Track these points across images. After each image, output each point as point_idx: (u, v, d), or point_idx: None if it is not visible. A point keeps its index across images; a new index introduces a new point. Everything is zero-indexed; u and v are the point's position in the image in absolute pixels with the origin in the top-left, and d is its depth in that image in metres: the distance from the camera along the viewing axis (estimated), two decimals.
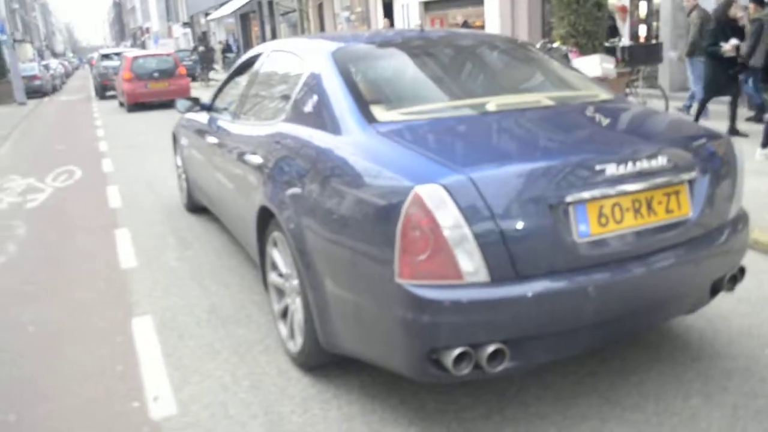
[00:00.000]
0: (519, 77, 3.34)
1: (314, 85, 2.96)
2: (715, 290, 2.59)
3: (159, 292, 4.04)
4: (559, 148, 2.47)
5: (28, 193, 7.27)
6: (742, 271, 2.65)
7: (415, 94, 3.01)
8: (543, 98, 2.92)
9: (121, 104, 17.64)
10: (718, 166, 2.55)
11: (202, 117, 4.74)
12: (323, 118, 2.78)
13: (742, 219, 2.70)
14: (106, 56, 23.36)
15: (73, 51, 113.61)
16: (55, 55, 75.12)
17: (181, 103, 4.86)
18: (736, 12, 7.53)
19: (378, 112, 2.66)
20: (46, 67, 30.61)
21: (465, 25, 16.13)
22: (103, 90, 21.62)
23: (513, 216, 2.10)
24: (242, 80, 4.24)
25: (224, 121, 4.16)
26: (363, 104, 2.70)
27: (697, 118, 7.63)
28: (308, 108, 2.93)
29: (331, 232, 2.47)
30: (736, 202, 2.67)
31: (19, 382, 3.08)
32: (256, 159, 3.20)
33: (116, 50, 27.04)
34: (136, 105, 16.40)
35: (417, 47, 3.41)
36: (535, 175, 2.17)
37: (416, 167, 2.21)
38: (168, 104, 15.64)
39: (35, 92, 23.94)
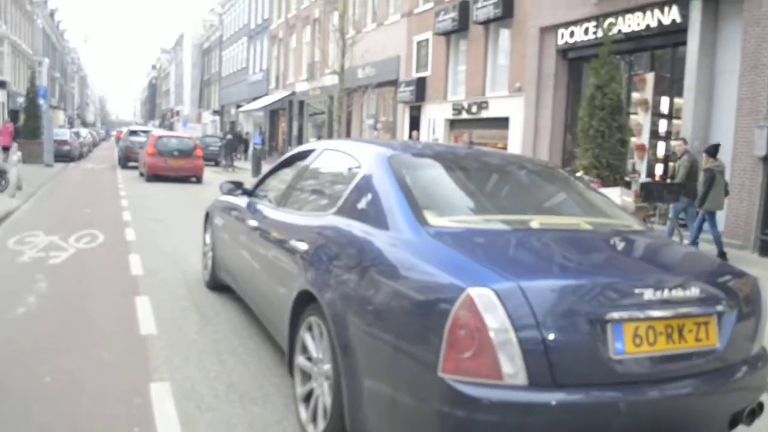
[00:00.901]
0: (558, 200, 3.56)
1: (370, 184, 3.17)
2: (734, 423, 2.64)
3: (178, 361, 4.09)
4: (600, 269, 2.64)
5: (50, 250, 7.42)
6: (761, 406, 2.70)
7: (462, 205, 3.24)
8: (582, 222, 3.13)
9: (141, 174, 19.69)
10: (745, 302, 2.68)
11: (242, 201, 4.95)
12: (377, 215, 2.96)
13: (762, 356, 2.80)
14: (133, 132, 26.27)
15: (103, 123, 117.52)
16: (85, 124, 77.70)
17: (225, 186, 5.10)
18: None
19: (429, 216, 2.84)
20: (77, 134, 31.67)
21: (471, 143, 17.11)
22: (126, 160, 23.98)
23: (555, 326, 2.22)
24: (289, 172, 4.48)
25: (267, 208, 4.36)
26: (416, 207, 2.88)
27: None
28: (362, 205, 3.12)
29: (374, 323, 2.58)
30: (759, 339, 2.78)
31: (32, 431, 3.09)
32: (302, 245, 3.36)
33: (144, 128, 30.35)
34: (155, 176, 18.40)
35: (464, 162, 3.67)
36: (579, 291, 2.32)
37: (468, 270, 2.36)
38: (181, 179, 18.72)
39: (63, 157, 24.60)
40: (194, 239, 8.12)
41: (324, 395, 2.92)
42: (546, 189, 3.70)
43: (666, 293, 2.41)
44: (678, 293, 2.44)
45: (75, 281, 6.11)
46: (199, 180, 19.37)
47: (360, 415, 2.61)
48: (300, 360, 3.24)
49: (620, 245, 2.91)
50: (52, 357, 4.03)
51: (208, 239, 6.04)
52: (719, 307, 2.57)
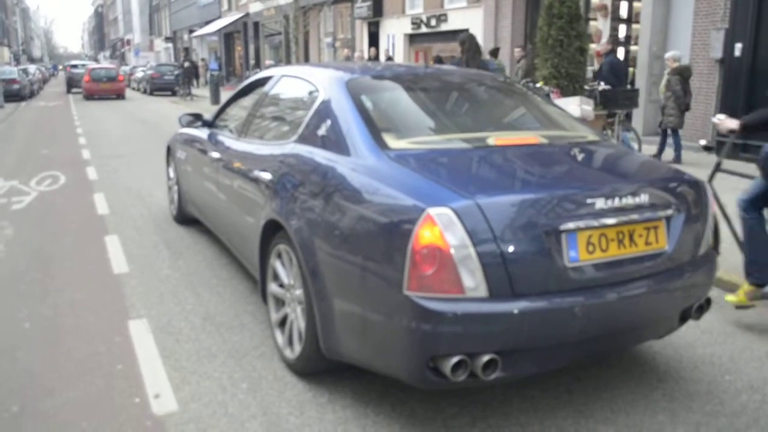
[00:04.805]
0: (515, 115, 3.61)
1: (329, 110, 3.17)
2: (683, 318, 2.84)
3: (153, 297, 4.16)
4: (554, 181, 2.73)
5: (12, 195, 7.30)
6: (708, 302, 2.91)
7: (421, 126, 3.28)
8: (538, 136, 3.19)
9: (84, 97, 26.78)
10: (693, 206, 2.82)
11: (202, 133, 4.90)
12: (337, 141, 2.99)
13: (710, 256, 2.97)
14: (74, 66, 35.47)
15: (50, 57, 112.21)
16: (32, 60, 73.98)
17: (184, 118, 5.03)
18: None
19: (388, 139, 2.89)
20: (25, 71, 30.40)
21: (388, 58, 17.07)
22: (70, 87, 32.06)
23: (512, 240, 2.33)
24: (248, 101, 4.43)
25: (228, 139, 4.34)
26: (375, 131, 2.92)
27: None
28: (322, 131, 3.14)
29: (340, 246, 2.66)
30: (706, 240, 2.94)
31: (19, 375, 3.17)
32: (266, 175, 3.38)
33: (82, 62, 41.12)
34: (91, 97, 26.31)
35: (423, 83, 3.68)
36: (534, 205, 2.41)
37: (428, 191, 2.44)
38: (109, 98, 26.82)
39: (13, 96, 23.80)
40: (158, 174, 8.05)
41: (298, 319, 3.04)
42: (504, 105, 3.74)
43: (617, 201, 2.52)
44: (628, 200, 2.55)
45: (42, 225, 6.07)
46: (122, 97, 27.02)
47: (333, 335, 2.73)
48: (272, 287, 3.34)
49: (574, 157, 3.00)
50: (28, 303, 4.08)
51: (171, 173, 6.00)
52: (668, 212, 2.70)
